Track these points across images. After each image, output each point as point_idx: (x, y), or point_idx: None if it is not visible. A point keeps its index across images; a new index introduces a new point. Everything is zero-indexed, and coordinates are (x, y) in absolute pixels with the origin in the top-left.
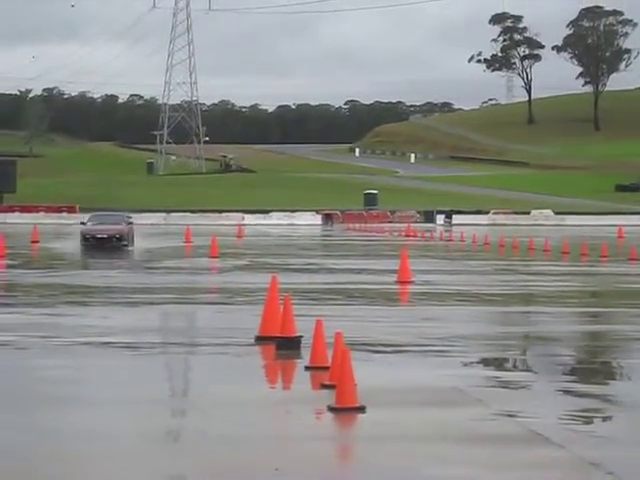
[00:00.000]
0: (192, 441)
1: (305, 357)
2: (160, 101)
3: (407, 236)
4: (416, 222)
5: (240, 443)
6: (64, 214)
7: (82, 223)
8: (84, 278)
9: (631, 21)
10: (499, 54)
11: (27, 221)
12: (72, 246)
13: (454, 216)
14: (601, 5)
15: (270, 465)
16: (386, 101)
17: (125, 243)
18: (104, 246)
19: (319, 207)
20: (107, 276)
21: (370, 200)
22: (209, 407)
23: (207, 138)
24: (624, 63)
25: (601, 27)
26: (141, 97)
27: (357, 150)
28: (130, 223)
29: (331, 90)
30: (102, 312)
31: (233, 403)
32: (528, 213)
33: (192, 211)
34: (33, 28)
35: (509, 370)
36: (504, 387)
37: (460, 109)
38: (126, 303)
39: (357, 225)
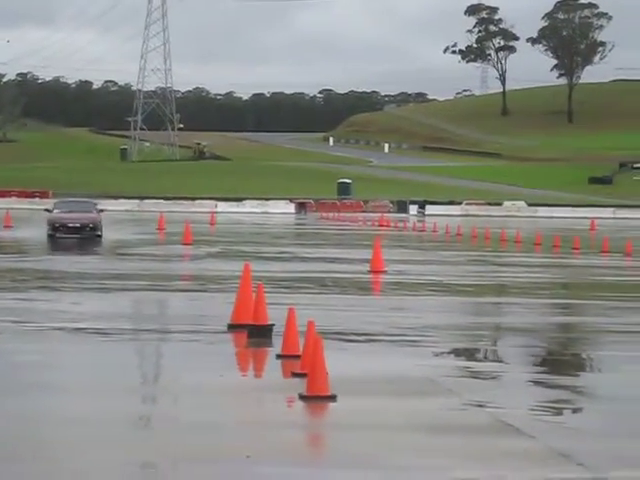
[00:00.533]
0: (164, 428)
1: (277, 345)
2: (134, 87)
3: (380, 226)
4: (389, 212)
5: (211, 430)
6: (37, 199)
7: (47, 210)
8: (56, 264)
9: (606, 14)
10: (474, 45)
11: None
12: (45, 232)
13: (427, 206)
14: None
15: (242, 452)
16: (360, 91)
17: (99, 233)
18: (75, 236)
19: (293, 196)
20: (80, 262)
21: (344, 189)
22: (181, 394)
23: (181, 125)
24: (599, 56)
25: (576, 20)
26: (115, 83)
27: (331, 139)
28: (100, 211)
29: (306, 79)
30: (74, 298)
31: (205, 390)
32: (501, 204)
33: (166, 198)
34: (8, 12)
35: (480, 360)
36: (475, 377)
37: (435, 100)
38: (98, 289)
39: (330, 214)
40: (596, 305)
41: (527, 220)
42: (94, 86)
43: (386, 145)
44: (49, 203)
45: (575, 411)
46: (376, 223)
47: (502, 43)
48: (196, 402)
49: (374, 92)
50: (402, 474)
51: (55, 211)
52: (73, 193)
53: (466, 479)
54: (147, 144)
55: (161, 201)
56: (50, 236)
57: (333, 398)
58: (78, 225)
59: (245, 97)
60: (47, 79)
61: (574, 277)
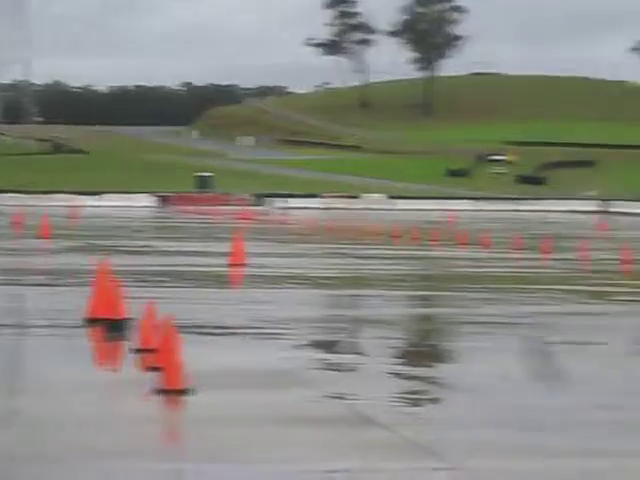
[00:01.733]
0: (22, 424)
1: (134, 339)
2: None
3: (241, 219)
4: (250, 205)
5: (67, 425)
6: None
7: None
8: None
9: (462, 8)
10: (333, 38)
11: None
12: None
13: (288, 199)
14: None
15: (97, 447)
16: (221, 83)
17: None
18: None
19: (153, 189)
20: None
21: (204, 183)
22: (37, 389)
23: (39, 118)
24: (455, 49)
25: (433, 13)
26: None
27: (193, 133)
28: None
29: (167, 72)
30: None
31: (58, 385)
32: (360, 197)
33: (23, 192)
34: None
35: (339, 352)
36: (334, 369)
37: (294, 93)
38: None
39: (191, 207)
40: (454, 297)
41: (386, 212)
42: None
43: (246, 138)
44: None
45: (432, 401)
46: (237, 216)
47: (361, 36)
48: (49, 397)
49: (233, 85)
50: (262, 466)
51: None
52: None
53: (336, 469)
54: (5, 138)
55: (18, 195)
56: None
57: (190, 392)
58: None
59: (106, 90)
60: None
61: (432, 269)
